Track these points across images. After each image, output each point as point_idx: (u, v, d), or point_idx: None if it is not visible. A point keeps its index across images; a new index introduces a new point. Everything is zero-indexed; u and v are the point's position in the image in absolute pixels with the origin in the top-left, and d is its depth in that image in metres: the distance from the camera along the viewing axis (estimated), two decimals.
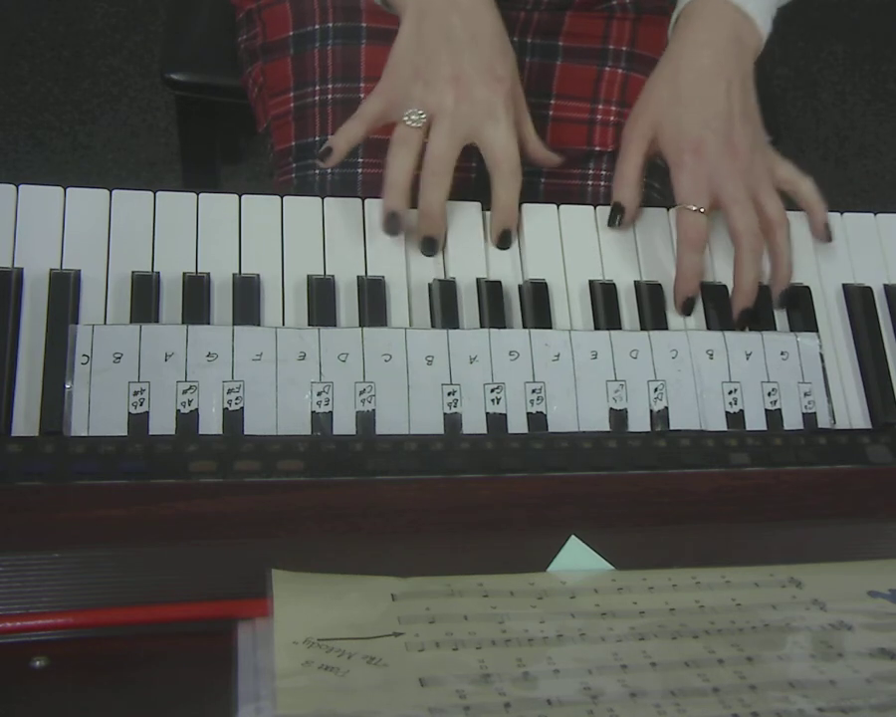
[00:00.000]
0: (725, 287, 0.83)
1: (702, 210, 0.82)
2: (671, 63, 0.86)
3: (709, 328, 0.82)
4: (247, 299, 0.76)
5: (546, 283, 0.80)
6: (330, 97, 0.98)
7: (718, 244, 0.84)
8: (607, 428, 0.76)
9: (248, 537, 0.63)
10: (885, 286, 0.86)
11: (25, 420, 0.70)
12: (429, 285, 0.79)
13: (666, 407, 0.77)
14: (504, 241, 0.82)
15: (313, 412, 0.72)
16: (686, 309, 0.82)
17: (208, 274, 0.76)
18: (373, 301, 0.77)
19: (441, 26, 0.81)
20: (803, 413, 0.79)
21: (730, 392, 0.78)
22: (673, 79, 0.85)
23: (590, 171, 1.02)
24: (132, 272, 0.75)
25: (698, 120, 0.83)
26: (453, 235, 0.82)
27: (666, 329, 0.80)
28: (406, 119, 0.80)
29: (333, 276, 0.78)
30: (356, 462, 0.69)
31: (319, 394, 0.73)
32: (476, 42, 0.81)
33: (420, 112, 0.79)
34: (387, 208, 0.79)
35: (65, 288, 0.73)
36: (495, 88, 0.81)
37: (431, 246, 0.80)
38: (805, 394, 0.79)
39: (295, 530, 0.64)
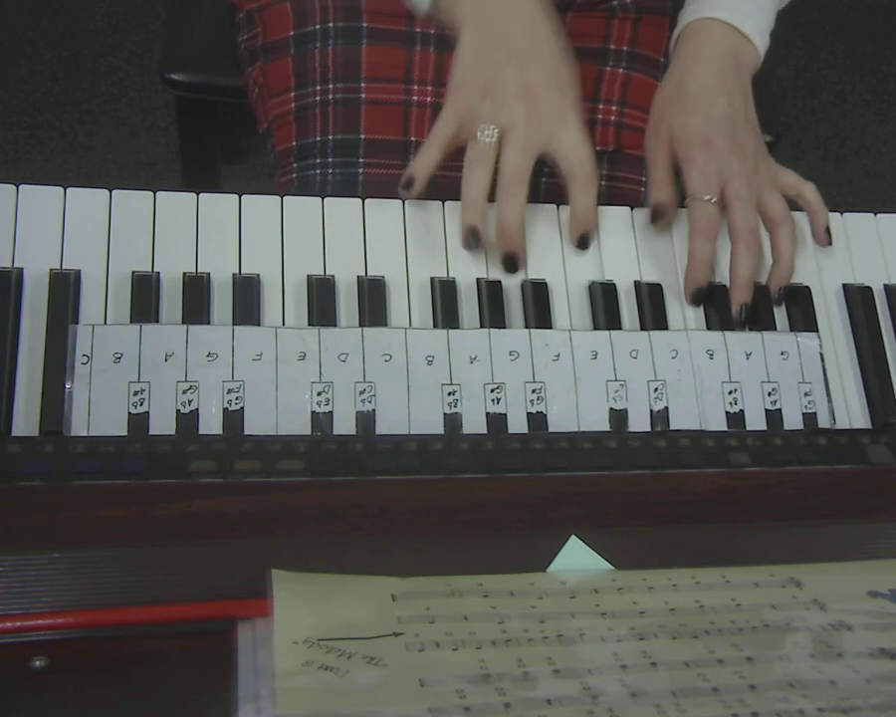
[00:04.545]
0: (725, 287, 0.83)
1: (713, 201, 0.82)
2: (675, 79, 0.88)
3: (709, 328, 0.81)
4: (247, 299, 0.76)
5: (546, 283, 0.80)
6: (330, 97, 0.98)
7: (717, 244, 0.84)
8: (607, 428, 0.76)
9: (248, 537, 0.63)
10: (885, 286, 0.86)
11: (25, 420, 0.70)
12: (429, 285, 0.79)
13: (666, 407, 0.77)
14: (583, 244, 0.82)
15: (313, 412, 0.72)
16: (696, 299, 0.82)
17: (208, 274, 0.76)
18: (373, 301, 0.77)
19: (503, 38, 0.81)
20: (804, 413, 0.79)
21: (730, 392, 0.78)
22: (678, 93, 0.87)
23: None
24: (132, 272, 0.75)
25: (705, 122, 0.84)
26: (453, 235, 0.82)
27: (666, 329, 0.80)
28: (480, 134, 0.79)
29: (333, 276, 0.78)
30: (356, 462, 0.69)
31: (319, 394, 0.73)
32: (540, 52, 0.81)
33: (493, 127, 0.79)
34: (467, 225, 0.79)
35: (65, 288, 0.73)
36: (564, 96, 0.81)
37: (512, 263, 0.80)
38: (805, 394, 0.79)
39: (295, 530, 0.63)
